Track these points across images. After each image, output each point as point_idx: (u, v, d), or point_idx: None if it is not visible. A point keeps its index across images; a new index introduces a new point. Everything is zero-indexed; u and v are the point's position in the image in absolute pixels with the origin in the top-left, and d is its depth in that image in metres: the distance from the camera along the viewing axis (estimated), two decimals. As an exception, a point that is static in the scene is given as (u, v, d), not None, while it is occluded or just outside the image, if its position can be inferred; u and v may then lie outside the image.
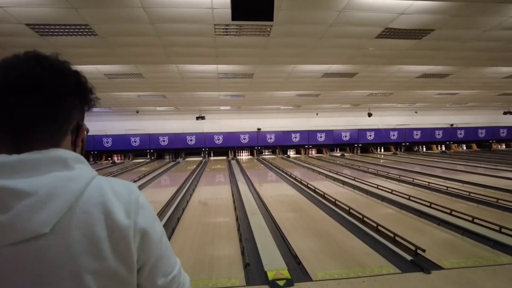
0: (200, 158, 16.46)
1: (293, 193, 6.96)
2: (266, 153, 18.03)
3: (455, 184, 7.27)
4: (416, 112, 17.25)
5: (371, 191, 6.73)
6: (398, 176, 8.55)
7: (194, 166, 13.05)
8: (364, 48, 6.40)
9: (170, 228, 4.42)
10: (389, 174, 9.15)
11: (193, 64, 7.21)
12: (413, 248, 3.47)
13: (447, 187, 6.81)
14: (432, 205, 5.27)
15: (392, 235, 3.90)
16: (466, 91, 11.91)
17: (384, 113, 17.16)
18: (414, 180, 7.84)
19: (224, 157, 16.72)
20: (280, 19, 4.77)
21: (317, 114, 16.39)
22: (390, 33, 5.55)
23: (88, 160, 16.20)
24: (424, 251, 3.33)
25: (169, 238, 4.06)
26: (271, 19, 3.73)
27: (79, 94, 0.71)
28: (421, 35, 5.66)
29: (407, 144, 18.24)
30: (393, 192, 6.50)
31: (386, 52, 6.69)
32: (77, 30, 5.05)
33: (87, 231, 0.60)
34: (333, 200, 5.93)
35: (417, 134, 18.15)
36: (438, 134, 18.22)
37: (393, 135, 17.94)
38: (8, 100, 0.61)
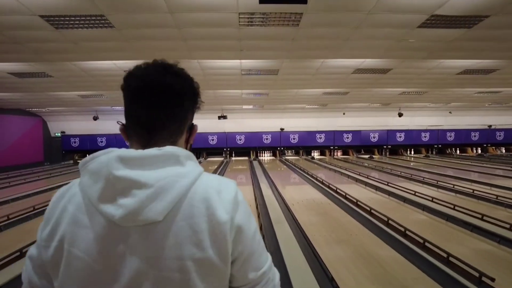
0: (222, 158, 16.14)
1: (320, 198, 6.41)
2: (289, 154, 17.48)
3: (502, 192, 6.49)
4: (450, 112, 16.16)
5: (409, 199, 6.07)
6: (436, 182, 7.79)
7: (216, 167, 12.71)
8: (404, 40, 5.75)
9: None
10: (424, 179, 8.39)
11: (216, 59, 6.79)
12: (477, 275, 2.86)
13: (497, 195, 6.04)
14: (484, 217, 4.60)
15: (445, 255, 3.30)
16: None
17: (415, 113, 16.20)
18: (455, 187, 7.08)
19: (246, 158, 16.32)
20: (313, 4, 4.24)
21: (344, 113, 15.66)
22: (436, 21, 4.89)
23: None
24: (493, 280, 2.72)
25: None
26: (305, 1, 3.22)
27: (193, 98, 0.84)
28: (472, 23, 4.96)
29: (440, 146, 17.15)
30: (434, 200, 5.83)
31: (427, 44, 6.00)
32: (93, 22, 4.73)
33: (191, 222, 0.67)
34: (368, 209, 5.34)
35: (450, 136, 17.04)
36: (474, 136, 17.02)
37: (425, 137, 16.91)
38: (143, 101, 0.76)
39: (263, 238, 3.95)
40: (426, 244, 3.64)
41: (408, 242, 3.80)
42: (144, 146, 0.75)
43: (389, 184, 7.56)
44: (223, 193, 0.73)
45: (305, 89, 10.34)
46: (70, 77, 8.15)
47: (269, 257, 0.82)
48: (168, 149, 0.72)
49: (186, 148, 0.83)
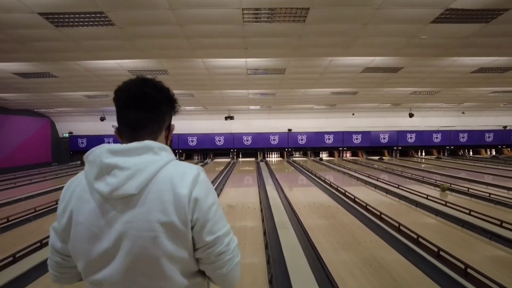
0: (229, 159, 15.99)
1: (328, 201, 6.17)
2: (297, 155, 17.22)
3: (523, 197, 6.15)
4: (463, 113, 15.70)
5: (421, 203, 5.79)
6: (449, 185, 7.46)
7: (222, 167, 12.56)
8: (416, 36, 5.49)
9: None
10: (437, 181, 8.06)
11: (220, 58, 6.61)
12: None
13: (515, 200, 5.73)
14: (503, 224, 4.30)
15: (462, 267, 3.04)
16: (528, 89, 10.47)
17: (426, 114, 15.79)
18: (470, 190, 6.76)
19: (253, 159, 16.14)
20: (319, -1, 4.03)
21: (353, 114, 15.33)
22: (451, 15, 4.62)
23: None
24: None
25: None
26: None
27: (169, 104, 1.05)
28: (490, 17, 4.68)
29: (452, 147, 16.68)
30: (448, 204, 5.55)
31: (441, 41, 5.72)
32: (93, 19, 4.59)
33: (159, 195, 0.88)
34: (378, 213, 5.08)
35: (463, 137, 16.56)
36: (488, 137, 16.51)
37: (436, 138, 16.47)
38: (129, 108, 0.97)
39: (266, 244, 3.76)
40: (441, 253, 3.39)
41: (421, 251, 3.55)
42: (132, 142, 0.95)
43: (400, 187, 7.28)
44: (186, 175, 0.93)
45: (313, 89, 10.11)
46: (75, 77, 8.08)
47: (226, 226, 0.97)
48: (146, 142, 0.93)
49: (166, 144, 1.06)
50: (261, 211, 5.44)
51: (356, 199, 6.18)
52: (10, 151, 12.92)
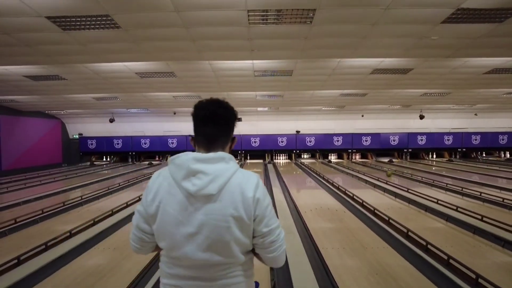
0: (236, 161, 15.93)
1: (335, 205, 6.07)
2: (305, 157, 17.11)
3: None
4: (476, 115, 15.36)
5: (430, 207, 5.64)
6: (461, 189, 7.28)
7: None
8: (426, 37, 5.37)
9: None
10: (448, 185, 7.87)
11: (226, 60, 6.60)
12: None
13: (530, 205, 5.54)
14: (517, 231, 4.15)
15: (473, 276, 2.93)
16: (543, 90, 10.18)
17: (437, 115, 15.50)
18: (482, 194, 6.56)
19: (261, 160, 16.09)
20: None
21: (362, 115, 15.15)
22: (463, 15, 4.50)
23: (126, 160, 16.57)
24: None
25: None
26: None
27: (234, 120, 1.27)
28: (504, 17, 4.54)
29: (464, 150, 16.35)
30: (459, 209, 5.40)
31: (452, 41, 5.59)
32: (99, 22, 4.61)
33: (231, 195, 1.14)
34: (386, 218, 4.97)
35: (475, 139, 16.20)
36: (502, 139, 16.11)
37: (448, 140, 16.15)
38: (206, 124, 1.21)
39: None
40: (451, 261, 3.28)
41: (430, 258, 3.44)
42: (207, 150, 1.22)
43: (409, 191, 7.12)
44: (250, 180, 1.18)
45: (322, 90, 10.01)
46: (83, 80, 8.16)
47: (277, 221, 1.24)
48: (220, 154, 1.18)
49: (229, 152, 1.27)
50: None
51: (364, 203, 6.07)
52: (23, 152, 13.14)
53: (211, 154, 1.16)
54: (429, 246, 3.73)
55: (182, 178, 1.13)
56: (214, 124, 1.20)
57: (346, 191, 7.30)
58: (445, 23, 4.77)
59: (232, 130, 1.27)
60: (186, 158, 1.15)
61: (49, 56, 6.09)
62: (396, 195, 6.92)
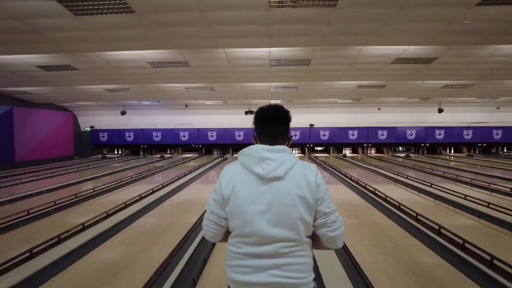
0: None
1: (357, 200, 5.81)
2: (318, 151, 16.80)
3: None
4: (498, 108, 14.80)
5: (459, 203, 5.34)
6: (488, 184, 6.93)
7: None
8: (457, 21, 5.02)
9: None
10: (473, 180, 7.51)
11: (243, 47, 6.34)
12: None
13: None
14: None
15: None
16: None
17: (457, 109, 15.00)
18: (512, 190, 6.22)
19: (274, 154, 15.83)
20: (355, -23, 3.68)
21: (379, 109, 14.74)
22: (502, -5, 4.16)
23: (138, 153, 16.54)
24: None
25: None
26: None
27: (290, 122, 1.43)
28: (548, -3, 4.18)
29: (484, 144, 15.81)
30: (490, 206, 5.08)
31: (485, 26, 5.22)
32: (112, 6, 4.41)
33: (296, 179, 1.29)
34: (414, 215, 4.69)
35: (497, 134, 15.66)
36: (526, 134, 15.53)
37: (467, 134, 15.64)
38: (270, 125, 1.38)
39: None
40: (495, 262, 3.00)
41: (471, 258, 3.17)
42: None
43: (433, 186, 6.81)
44: (310, 168, 1.36)
45: (339, 82, 9.70)
46: (95, 70, 8.02)
47: (334, 206, 1.36)
48: (283, 146, 1.37)
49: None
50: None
51: (387, 198, 5.80)
52: (35, 144, 13.18)
53: (276, 146, 1.34)
54: (466, 245, 3.45)
55: (254, 164, 1.30)
56: (276, 126, 1.38)
57: (367, 186, 7.03)
58: (481, 5, 4.43)
59: (289, 130, 1.46)
60: (256, 148, 1.33)
61: (60, 44, 5.93)
62: (419, 190, 6.62)
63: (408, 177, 8.19)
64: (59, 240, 3.71)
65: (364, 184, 7.22)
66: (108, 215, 4.84)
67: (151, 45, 6.04)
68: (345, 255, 3.29)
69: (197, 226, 4.25)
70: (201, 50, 6.61)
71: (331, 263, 3.09)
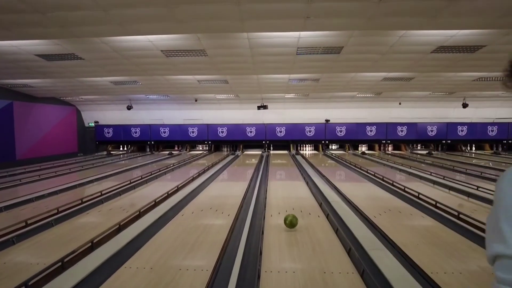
0: (260, 152, 15.04)
1: (390, 198, 5.05)
2: (333, 148, 16.04)
3: None
4: (525, 103, 13.97)
5: None
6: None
7: (255, 160, 11.62)
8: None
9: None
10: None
11: (273, 30, 5.50)
12: None
13: None
14: None
15: None
16: None
17: (480, 104, 14.13)
18: None
19: (285, 151, 15.15)
20: None
21: (400, 103, 13.91)
22: None
23: (144, 150, 15.83)
24: None
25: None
26: None
27: None
28: None
29: (510, 142, 14.97)
30: None
31: None
32: (125, -24, 3.64)
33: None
34: (455, 213, 3.92)
35: (524, 130, 14.83)
36: (554, 131, 14.70)
37: (492, 131, 14.81)
38: None
39: (349, 250, 2.78)
40: None
41: None
42: None
43: (480, 189, 6.03)
44: None
45: (365, 73, 8.89)
46: (102, 60, 7.26)
47: None
48: None
49: None
50: (320, 206, 4.46)
51: (437, 203, 5.03)
52: (37, 141, 12.48)
53: None
54: None
55: None
56: None
57: (394, 183, 6.32)
58: None
59: None
60: None
61: (64, 27, 5.16)
62: (463, 192, 5.85)
63: (445, 178, 7.37)
64: (63, 265, 2.97)
65: (391, 181, 6.45)
66: (120, 228, 4.11)
67: (167, 29, 5.25)
68: (419, 277, 2.54)
69: (229, 242, 3.53)
70: (222, 36, 5.84)
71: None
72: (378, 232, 3.87)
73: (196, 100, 13.66)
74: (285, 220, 3.91)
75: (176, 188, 6.63)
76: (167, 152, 14.95)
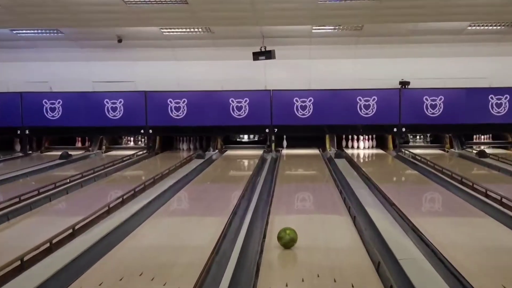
0: (259, 152, 15.38)
1: None
2: (418, 142, 16.91)
3: None
4: None
5: None
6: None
7: (248, 170, 11.88)
8: None
9: None
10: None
11: None
12: None
13: None
14: None
15: None
16: None
17: None
18: None
19: (315, 150, 15.58)
20: None
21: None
22: None
23: (12, 149, 15.95)
24: None
25: None
26: None
27: None
28: None
29: None
30: None
31: None
32: None
33: None
34: None
35: None
36: None
37: None
38: None
39: None
40: None
41: None
42: None
43: None
44: None
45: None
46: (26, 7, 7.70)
47: None
48: None
49: None
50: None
51: None
52: None
53: None
54: None
55: None
56: None
57: None
58: None
59: None
60: None
61: None
62: None
63: None
64: None
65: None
66: None
67: None
68: None
69: None
70: None
71: None
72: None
73: (119, 41, 14.00)
74: (280, 237, 4.62)
75: (71, 231, 6.55)
76: (60, 153, 15.00)
